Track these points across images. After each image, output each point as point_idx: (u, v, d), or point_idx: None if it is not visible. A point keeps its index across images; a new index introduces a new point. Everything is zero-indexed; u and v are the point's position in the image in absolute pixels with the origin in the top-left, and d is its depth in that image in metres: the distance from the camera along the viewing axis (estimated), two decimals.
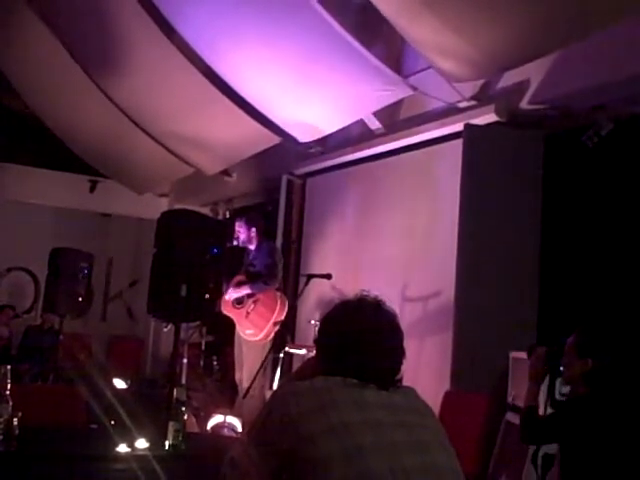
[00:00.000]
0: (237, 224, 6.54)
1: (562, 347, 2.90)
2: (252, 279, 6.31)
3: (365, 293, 2.04)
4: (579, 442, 2.64)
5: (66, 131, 8.53)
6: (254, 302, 6.26)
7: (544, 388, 3.12)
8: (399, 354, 1.98)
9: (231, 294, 6.27)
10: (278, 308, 6.19)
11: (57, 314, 7.10)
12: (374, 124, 6.68)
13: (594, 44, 4.49)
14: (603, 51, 4.62)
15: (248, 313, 6.25)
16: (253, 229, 6.47)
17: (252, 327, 6.22)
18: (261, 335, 6.15)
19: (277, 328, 6.17)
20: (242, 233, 6.47)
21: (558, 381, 3.20)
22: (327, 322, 2.04)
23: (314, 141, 6.89)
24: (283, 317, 6.24)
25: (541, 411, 3.11)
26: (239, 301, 6.33)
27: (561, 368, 2.90)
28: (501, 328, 5.11)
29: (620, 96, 4.79)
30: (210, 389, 6.81)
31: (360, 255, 6.91)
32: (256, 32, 5.46)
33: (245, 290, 6.30)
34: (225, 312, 6.28)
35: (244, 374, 6.22)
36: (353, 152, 7.03)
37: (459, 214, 5.40)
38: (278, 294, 6.29)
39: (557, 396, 3.48)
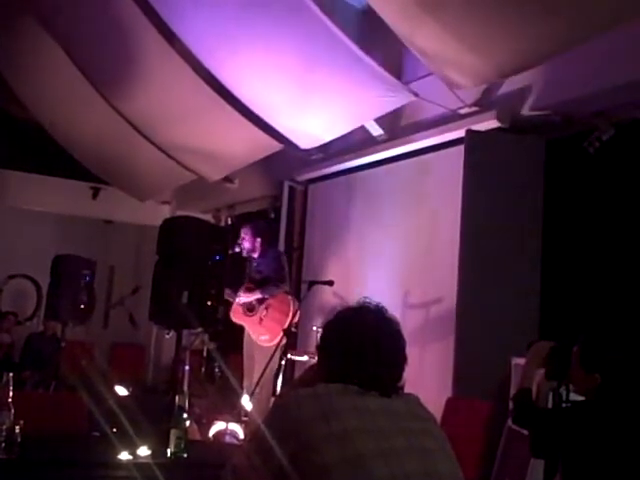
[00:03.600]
0: (243, 231, 6.51)
1: (566, 346, 2.89)
2: (261, 285, 6.30)
3: (367, 300, 2.04)
4: (582, 449, 2.63)
5: (68, 138, 8.54)
6: (266, 308, 6.25)
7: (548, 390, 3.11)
8: (401, 361, 1.98)
9: (240, 299, 6.25)
10: (292, 312, 6.17)
11: (59, 321, 7.11)
12: (375, 130, 6.68)
13: (595, 50, 4.50)
14: (604, 56, 4.63)
15: (261, 319, 6.24)
16: (258, 240, 6.45)
17: (266, 333, 6.20)
18: (277, 340, 6.13)
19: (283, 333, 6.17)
20: (247, 241, 6.45)
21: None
22: (329, 329, 2.04)
23: (316, 148, 6.90)
24: (296, 320, 6.24)
25: None
26: (250, 308, 6.31)
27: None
28: (503, 334, 5.10)
29: (621, 101, 4.80)
30: (212, 396, 6.79)
31: (362, 262, 6.90)
32: (258, 39, 5.47)
33: (255, 295, 6.28)
34: (236, 320, 6.27)
35: (255, 381, 6.20)
36: (355, 158, 7.04)
37: (461, 220, 5.40)
38: (290, 298, 6.28)
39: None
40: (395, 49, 6.12)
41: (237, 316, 6.27)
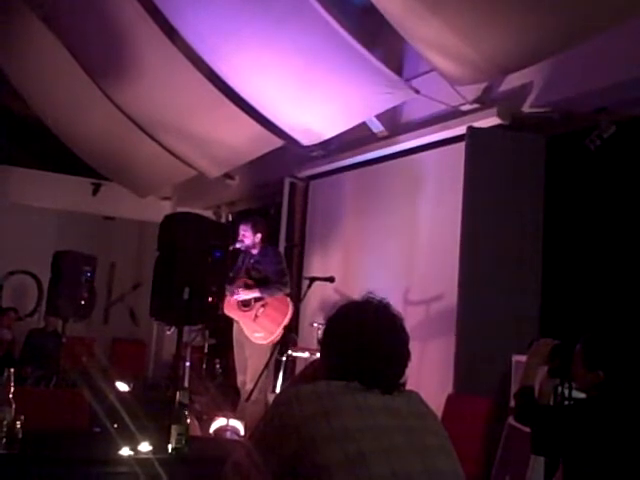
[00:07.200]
0: (242, 227, 6.51)
1: (568, 344, 2.89)
2: (260, 283, 6.30)
3: (371, 295, 2.02)
4: (584, 447, 2.63)
5: (69, 134, 8.54)
6: (263, 306, 6.26)
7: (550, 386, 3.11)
8: (403, 358, 1.96)
9: (239, 295, 6.26)
10: (290, 312, 6.20)
11: (60, 317, 7.11)
12: (377, 127, 6.68)
13: (596, 47, 4.49)
14: (605, 54, 4.62)
15: (257, 316, 6.24)
16: (259, 235, 6.46)
17: (261, 330, 6.21)
18: (271, 338, 6.15)
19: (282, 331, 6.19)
20: (247, 237, 6.45)
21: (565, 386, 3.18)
22: (331, 324, 2.02)
23: (316, 144, 6.89)
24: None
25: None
26: (245, 304, 6.31)
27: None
28: (503, 331, 5.10)
29: (622, 98, 4.79)
30: (213, 392, 6.79)
31: (363, 258, 6.91)
32: (259, 35, 5.47)
33: (254, 293, 6.29)
34: (228, 313, 6.27)
35: (248, 376, 6.21)
36: (356, 155, 7.03)
37: (462, 217, 5.40)
38: (288, 298, 6.31)
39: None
40: (396, 46, 6.12)
41: (230, 309, 6.26)
